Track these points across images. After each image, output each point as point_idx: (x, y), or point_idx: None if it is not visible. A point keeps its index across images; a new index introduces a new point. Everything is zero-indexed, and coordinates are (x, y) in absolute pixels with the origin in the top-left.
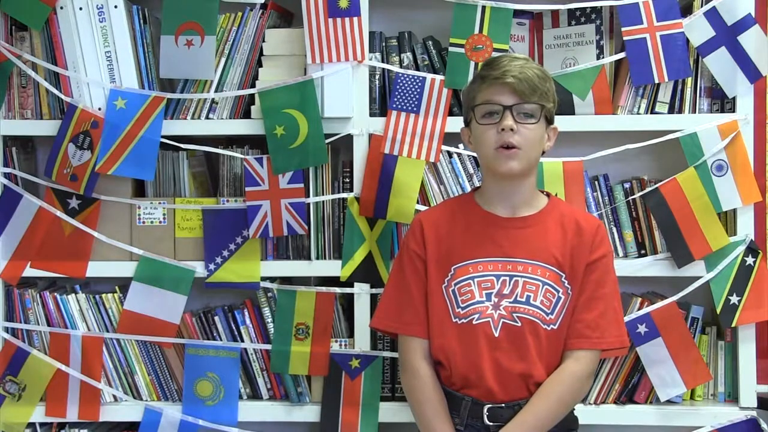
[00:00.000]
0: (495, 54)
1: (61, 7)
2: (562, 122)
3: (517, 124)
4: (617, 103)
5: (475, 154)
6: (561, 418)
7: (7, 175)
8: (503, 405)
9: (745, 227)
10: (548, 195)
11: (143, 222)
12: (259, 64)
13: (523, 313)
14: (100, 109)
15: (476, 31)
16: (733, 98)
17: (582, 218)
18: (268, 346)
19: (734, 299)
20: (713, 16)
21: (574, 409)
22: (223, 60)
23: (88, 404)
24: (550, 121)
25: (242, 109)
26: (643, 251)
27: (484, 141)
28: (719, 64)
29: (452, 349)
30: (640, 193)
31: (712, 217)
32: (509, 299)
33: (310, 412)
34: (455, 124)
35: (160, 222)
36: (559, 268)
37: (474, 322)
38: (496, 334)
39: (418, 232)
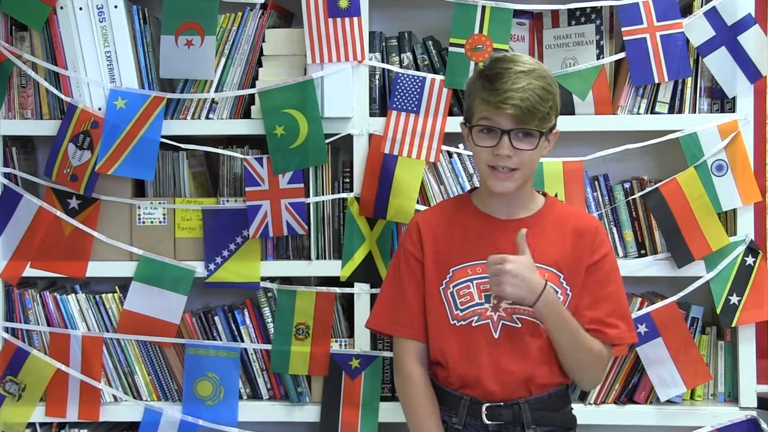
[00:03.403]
0: (497, 54)
1: (61, 7)
2: (562, 122)
3: (513, 149)
4: (617, 103)
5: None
6: (576, 355)
7: (7, 175)
8: (502, 404)
9: (745, 227)
10: (545, 195)
11: (143, 222)
12: (259, 64)
13: (523, 314)
14: (100, 109)
15: (476, 31)
16: (733, 98)
17: (580, 219)
18: (268, 346)
19: (734, 299)
20: (713, 16)
21: (572, 409)
22: (223, 60)
23: (88, 404)
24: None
25: (242, 109)
26: (643, 251)
27: (480, 158)
28: (719, 64)
29: (451, 351)
30: (640, 193)
31: (712, 217)
32: (508, 301)
33: (310, 412)
34: (455, 124)
35: (160, 222)
36: (558, 270)
37: (473, 324)
38: (496, 336)
39: (414, 233)
